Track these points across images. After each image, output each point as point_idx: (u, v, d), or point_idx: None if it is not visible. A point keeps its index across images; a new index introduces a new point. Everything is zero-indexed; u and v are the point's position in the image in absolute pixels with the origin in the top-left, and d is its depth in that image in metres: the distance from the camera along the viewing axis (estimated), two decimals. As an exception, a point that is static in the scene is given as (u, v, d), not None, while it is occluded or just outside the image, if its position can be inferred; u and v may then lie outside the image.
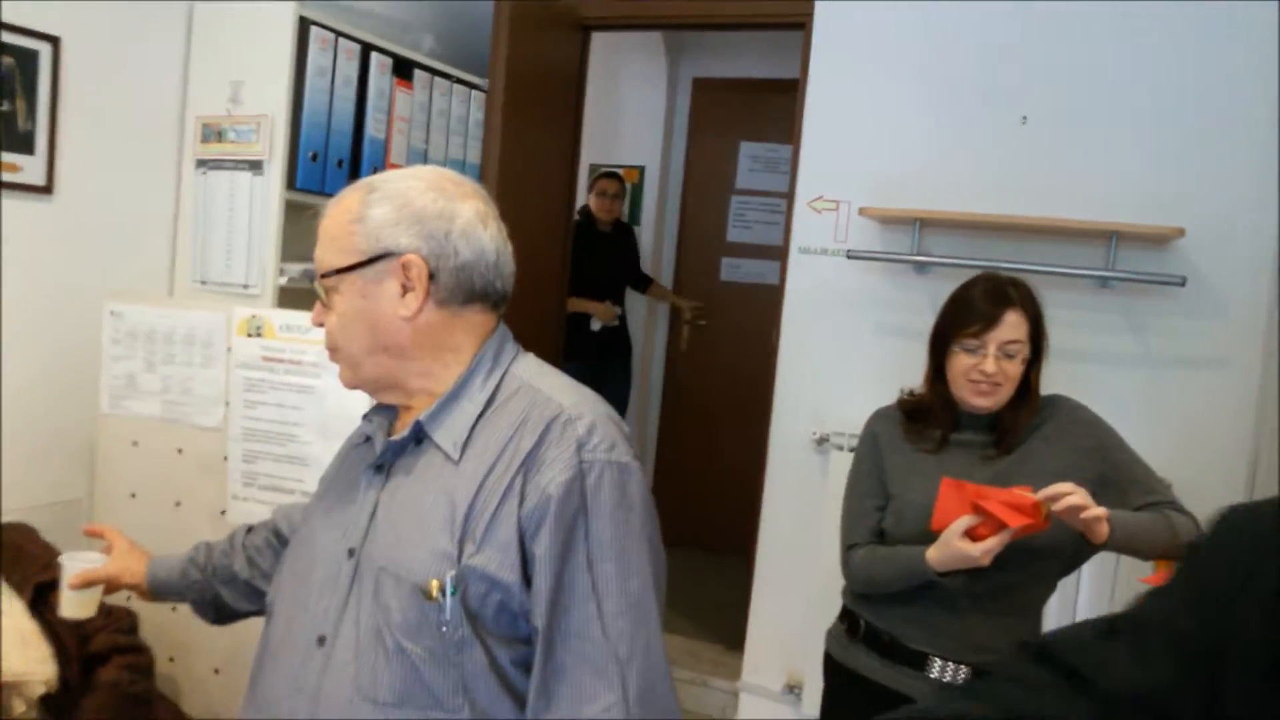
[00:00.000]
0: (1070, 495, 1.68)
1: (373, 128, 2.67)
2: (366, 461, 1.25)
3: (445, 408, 1.20)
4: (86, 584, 1.43)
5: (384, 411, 1.30)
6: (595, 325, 4.60)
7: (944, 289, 2.96)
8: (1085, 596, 2.76)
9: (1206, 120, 2.74)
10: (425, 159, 2.90)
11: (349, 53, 2.55)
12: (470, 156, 3.11)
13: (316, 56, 2.44)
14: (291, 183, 2.45)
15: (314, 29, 2.42)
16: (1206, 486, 2.75)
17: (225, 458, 2.13)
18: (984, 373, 1.84)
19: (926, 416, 1.97)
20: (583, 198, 4.97)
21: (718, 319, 5.10)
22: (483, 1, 3.13)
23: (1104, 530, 1.70)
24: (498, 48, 3.11)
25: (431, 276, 1.20)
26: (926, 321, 2.99)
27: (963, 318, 1.90)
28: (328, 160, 2.53)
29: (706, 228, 5.16)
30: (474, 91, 3.10)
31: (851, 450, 3.04)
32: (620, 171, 4.92)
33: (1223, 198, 2.74)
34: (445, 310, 1.22)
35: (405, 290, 1.19)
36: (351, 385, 1.26)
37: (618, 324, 4.72)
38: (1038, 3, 2.89)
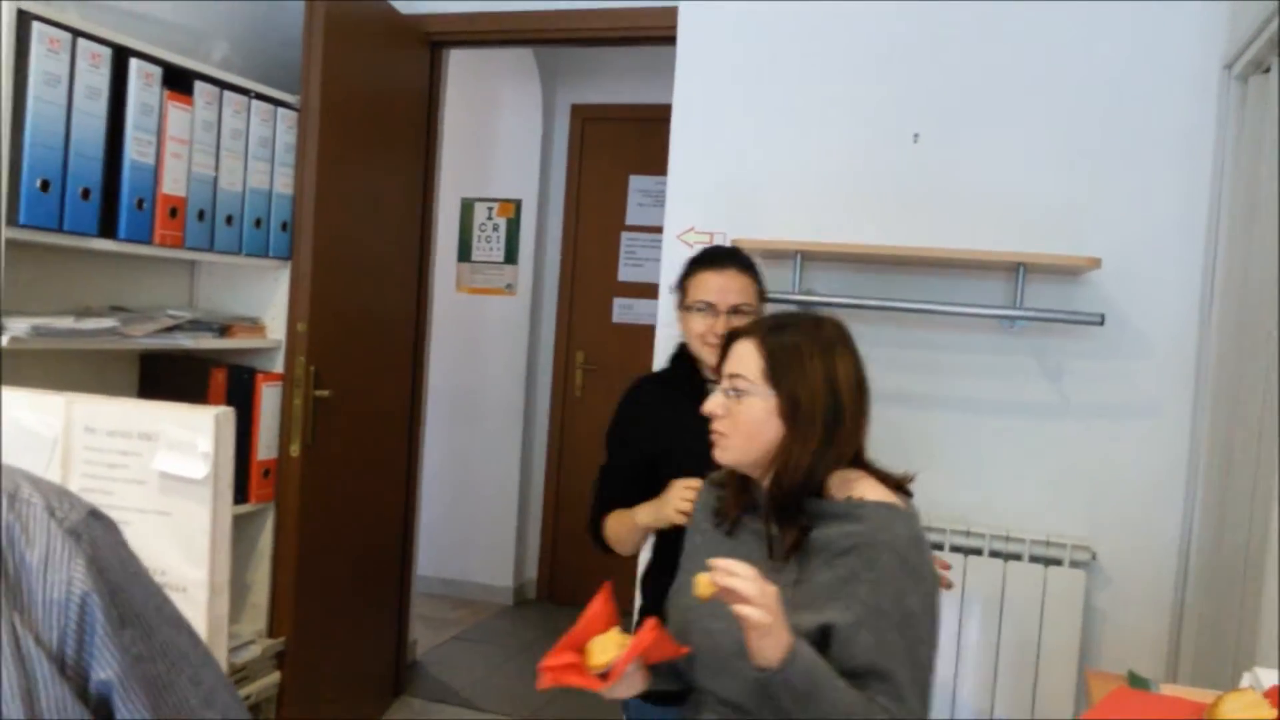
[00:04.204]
0: (737, 579, 1.26)
1: (135, 150, 2.18)
2: None
3: None
4: None
5: None
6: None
7: (833, 332, 2.60)
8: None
9: (1123, 137, 2.42)
10: (215, 187, 2.42)
11: (94, 58, 2.07)
12: (280, 185, 2.63)
13: (44, 61, 1.95)
14: (13, 218, 1.95)
15: (38, 26, 1.94)
16: (1134, 553, 2.40)
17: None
18: (708, 413, 1.49)
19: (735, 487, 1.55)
20: (447, 234, 4.52)
21: (610, 364, 4.70)
22: (296, 2, 2.68)
23: (768, 649, 1.27)
24: (311, 58, 2.66)
25: None
26: (815, 369, 2.63)
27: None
28: (66, 190, 2.03)
29: (595, 266, 4.76)
30: (284, 110, 2.63)
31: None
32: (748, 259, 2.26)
33: (1141, 224, 2.41)
34: None
35: None
36: None
37: None
38: (930, 4, 2.54)
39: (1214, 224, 2.35)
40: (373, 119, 2.99)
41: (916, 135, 2.55)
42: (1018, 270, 2.34)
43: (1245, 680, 1.40)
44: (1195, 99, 2.39)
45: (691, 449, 1.86)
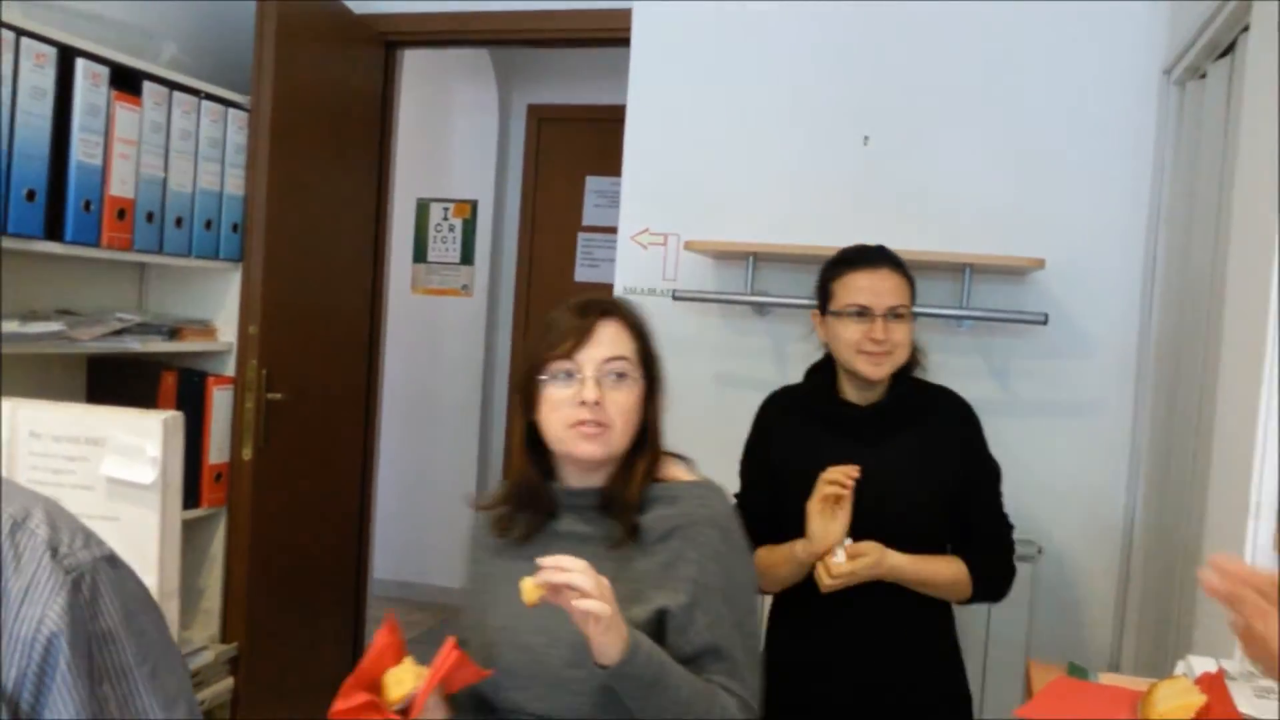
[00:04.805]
0: (572, 574, 1.20)
1: (82, 151, 2.16)
2: None
3: None
4: None
5: None
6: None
7: (787, 331, 2.63)
8: None
9: (1067, 140, 2.47)
10: (164, 188, 2.40)
11: (39, 57, 2.04)
12: (230, 186, 2.61)
13: (-13, 60, 1.93)
14: (-45, 220, 1.92)
15: (-19, 25, 1.92)
16: (1079, 547, 2.47)
17: None
18: (584, 402, 1.35)
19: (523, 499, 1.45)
20: (401, 235, 4.50)
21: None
22: (248, 2, 2.66)
23: (610, 644, 1.22)
24: (262, 58, 2.65)
25: None
26: (770, 370, 2.66)
27: (551, 338, 1.40)
28: (11, 191, 2.00)
29: (551, 266, 4.77)
30: (235, 111, 2.61)
31: (690, 520, 2.65)
32: (898, 257, 1.93)
33: (1084, 225, 2.46)
34: None
35: None
36: None
37: None
38: (880, 7, 2.57)
39: (1154, 226, 2.41)
40: (326, 119, 2.97)
41: (867, 138, 2.59)
42: (965, 271, 2.39)
43: (1179, 668, 1.45)
44: (1136, 103, 2.45)
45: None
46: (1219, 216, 1.93)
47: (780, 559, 1.79)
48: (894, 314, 1.79)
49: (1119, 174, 2.45)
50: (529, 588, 1.21)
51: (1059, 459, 2.47)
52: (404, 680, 1.26)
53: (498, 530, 1.46)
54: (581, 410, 1.35)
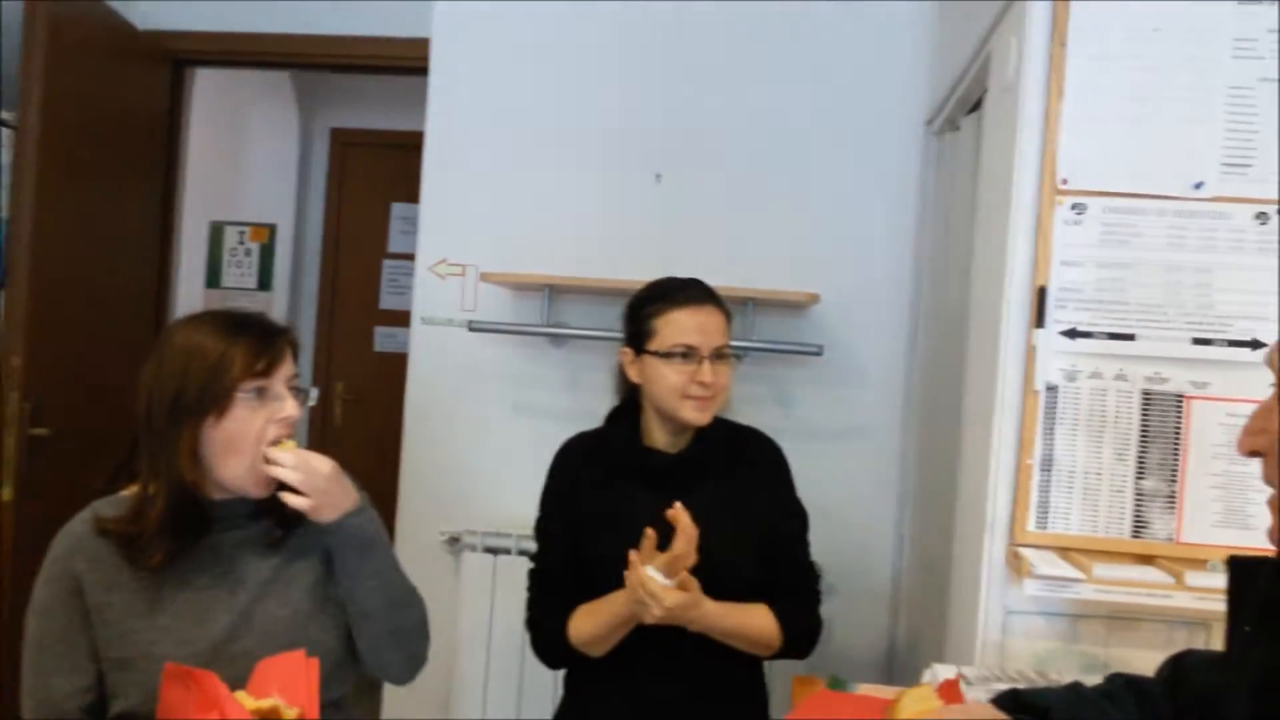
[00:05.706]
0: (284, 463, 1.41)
1: None
2: None
3: None
4: None
5: None
6: None
7: (582, 361, 2.69)
8: None
9: (841, 183, 2.64)
10: (-89, 210, 2.23)
11: None
12: (-8, 209, 2.45)
13: None
14: None
15: None
16: (855, 568, 2.62)
17: None
18: (286, 418, 1.41)
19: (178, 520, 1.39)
20: (193, 259, 4.30)
21: (372, 394, 4.61)
22: (15, 9, 2.51)
23: (341, 500, 1.46)
24: (30, 73, 2.50)
25: None
26: (566, 398, 2.71)
27: (237, 358, 1.37)
28: None
29: (355, 294, 4.67)
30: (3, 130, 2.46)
31: (488, 551, 2.65)
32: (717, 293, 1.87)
33: (857, 263, 2.64)
34: None
35: None
36: None
37: None
38: (670, 51, 2.68)
39: (918, 265, 2.62)
40: (104, 138, 2.82)
41: (659, 175, 2.68)
42: (747, 304, 2.52)
43: (925, 676, 1.58)
44: (902, 151, 2.64)
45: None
46: (968, 257, 2.12)
47: (615, 605, 1.66)
48: (719, 355, 1.72)
49: (887, 216, 2.63)
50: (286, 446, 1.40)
51: (837, 482, 2.61)
52: (288, 712, 1.24)
53: (128, 553, 1.39)
54: (282, 426, 1.41)
